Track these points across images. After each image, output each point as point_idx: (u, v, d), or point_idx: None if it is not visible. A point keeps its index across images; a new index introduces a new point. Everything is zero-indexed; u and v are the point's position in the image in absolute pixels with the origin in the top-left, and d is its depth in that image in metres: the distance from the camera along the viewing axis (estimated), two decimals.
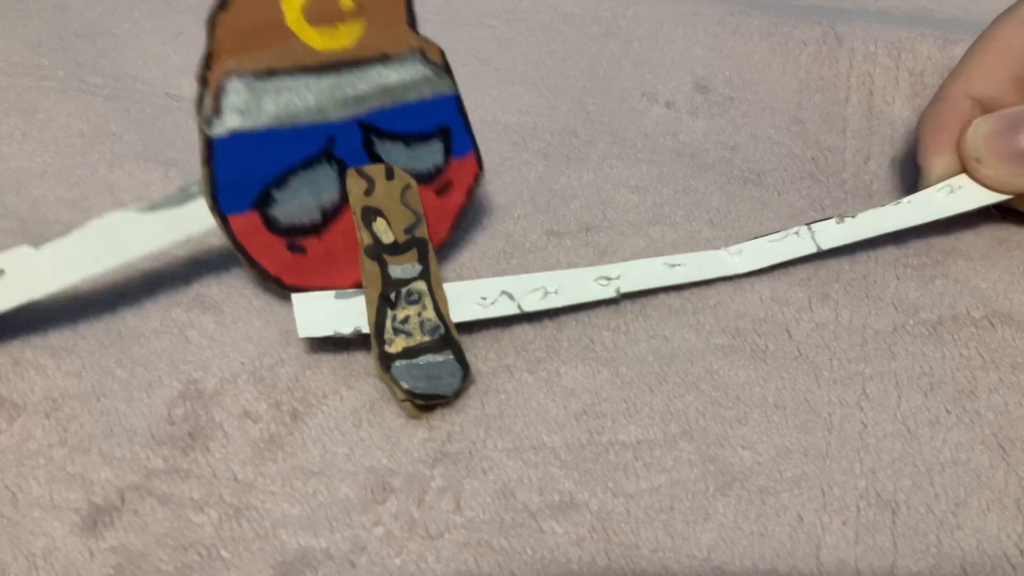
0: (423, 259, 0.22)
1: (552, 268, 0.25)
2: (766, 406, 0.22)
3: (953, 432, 0.21)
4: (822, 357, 0.23)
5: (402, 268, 0.22)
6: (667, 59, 0.32)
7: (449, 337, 0.22)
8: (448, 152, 0.23)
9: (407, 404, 0.21)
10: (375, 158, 0.23)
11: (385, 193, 0.22)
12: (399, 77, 0.22)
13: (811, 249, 0.24)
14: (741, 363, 0.23)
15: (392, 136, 0.23)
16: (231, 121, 0.21)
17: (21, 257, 0.21)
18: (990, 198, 0.25)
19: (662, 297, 0.24)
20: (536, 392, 0.22)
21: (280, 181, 0.22)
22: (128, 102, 0.30)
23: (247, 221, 0.22)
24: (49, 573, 0.18)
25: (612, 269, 0.23)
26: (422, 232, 0.22)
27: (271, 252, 0.22)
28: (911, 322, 0.24)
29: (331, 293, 0.22)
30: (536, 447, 0.21)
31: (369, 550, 0.19)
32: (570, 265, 0.25)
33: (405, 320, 0.21)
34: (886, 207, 0.25)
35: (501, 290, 0.23)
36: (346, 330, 0.22)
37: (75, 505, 0.19)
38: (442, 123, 0.23)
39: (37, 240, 0.22)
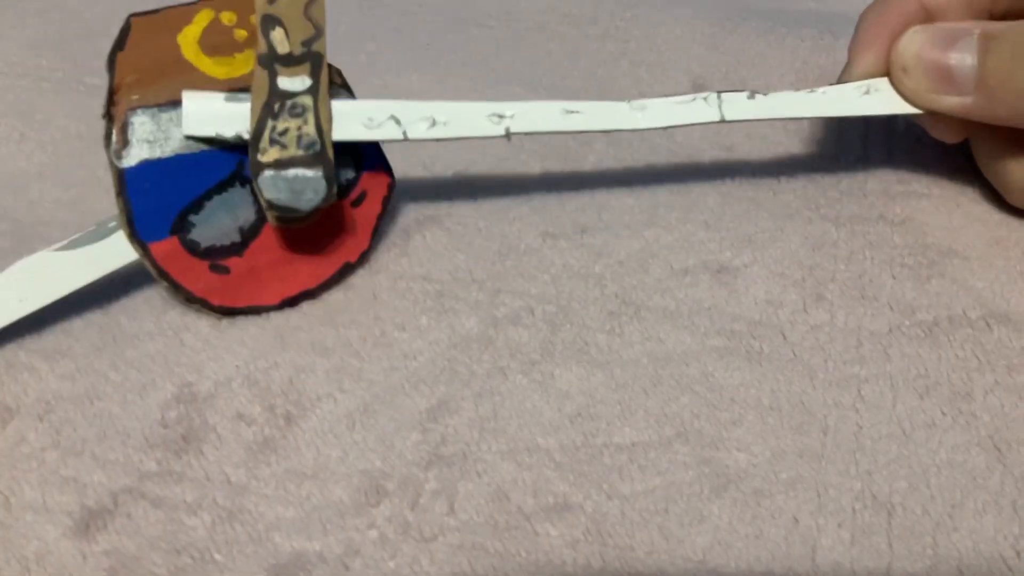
0: (315, 74, 0.22)
1: (548, 271, 0.25)
2: (761, 408, 0.22)
3: (949, 434, 0.21)
4: (817, 359, 0.23)
5: (291, 80, 0.22)
6: (664, 59, 0.32)
7: (323, 154, 0.22)
8: (359, 165, 0.24)
9: (271, 215, 0.22)
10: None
11: (289, 3, 0.22)
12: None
13: (715, 117, 0.24)
14: (736, 365, 0.23)
15: None
16: (139, 152, 0.21)
17: None
18: (903, 109, 0.25)
19: (656, 299, 0.24)
20: (530, 394, 0.22)
21: (195, 206, 0.22)
22: None
23: (167, 247, 0.22)
24: None
25: (506, 107, 0.23)
26: (319, 47, 0.22)
27: (194, 275, 0.23)
28: (907, 323, 0.24)
29: (221, 95, 0.22)
30: (530, 449, 0.21)
31: (363, 553, 0.19)
32: (565, 267, 0.25)
33: (284, 132, 0.21)
34: (799, 92, 0.25)
35: (389, 113, 0.23)
36: (228, 134, 0.22)
37: (68, 508, 0.19)
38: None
39: None
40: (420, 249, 0.25)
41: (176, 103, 0.22)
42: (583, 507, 0.20)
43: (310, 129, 0.22)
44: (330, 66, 0.23)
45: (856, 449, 0.21)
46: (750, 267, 0.25)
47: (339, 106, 0.22)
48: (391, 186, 0.24)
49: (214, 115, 0.22)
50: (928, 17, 0.25)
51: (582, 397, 0.22)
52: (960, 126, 0.25)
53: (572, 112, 0.23)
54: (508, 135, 0.23)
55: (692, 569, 0.19)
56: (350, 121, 0.22)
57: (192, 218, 0.22)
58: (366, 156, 0.24)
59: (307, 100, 0.22)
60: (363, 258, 0.24)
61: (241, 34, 0.23)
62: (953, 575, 0.19)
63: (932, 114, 0.25)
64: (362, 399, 0.22)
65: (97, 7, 0.34)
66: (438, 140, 0.23)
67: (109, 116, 0.22)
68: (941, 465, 0.21)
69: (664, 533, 0.19)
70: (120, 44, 0.22)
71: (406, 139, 0.23)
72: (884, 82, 0.25)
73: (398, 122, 0.23)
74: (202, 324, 0.23)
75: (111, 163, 0.21)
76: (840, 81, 0.25)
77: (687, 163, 0.28)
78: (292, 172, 0.21)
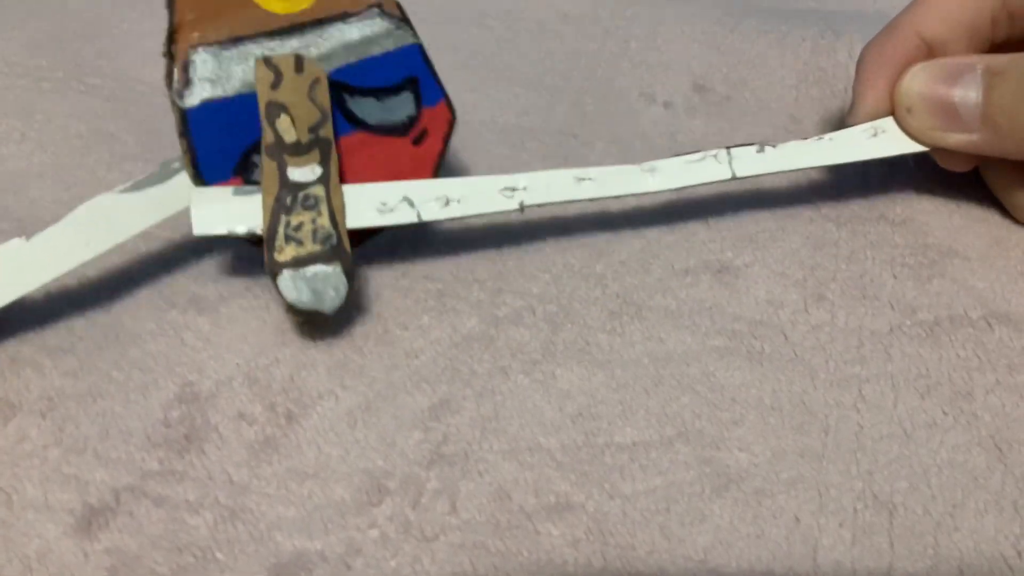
0: (324, 162, 0.22)
1: (549, 270, 0.25)
2: (762, 408, 0.22)
3: (950, 434, 0.21)
4: (818, 359, 0.23)
5: (301, 171, 0.22)
6: (665, 59, 0.32)
7: (340, 247, 0.21)
8: (419, 102, 0.23)
9: (291, 314, 0.21)
10: (348, 114, 0.23)
11: (292, 87, 0.22)
12: (360, 33, 0.22)
13: (726, 175, 0.24)
14: (737, 365, 0.23)
15: (362, 91, 0.23)
16: (202, 91, 0.21)
17: (13, 250, 0.21)
18: (911, 147, 0.25)
19: (658, 299, 0.24)
20: (532, 394, 0.22)
21: (258, 145, 0.22)
22: (127, 103, 0.30)
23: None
24: (43, 575, 0.18)
25: (518, 180, 0.23)
26: (326, 132, 0.22)
27: None
28: (908, 323, 0.24)
29: (230, 189, 0.22)
30: (532, 449, 0.21)
31: (364, 552, 0.19)
32: (566, 266, 0.25)
33: (299, 227, 0.21)
34: (808, 141, 0.25)
35: (402, 196, 0.22)
36: (240, 230, 0.22)
37: (70, 506, 0.19)
38: (409, 74, 0.23)
39: (28, 236, 0.22)
40: (422, 248, 0.25)
41: (238, 39, 0.21)
42: (584, 507, 0.20)
43: (324, 221, 0.21)
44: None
45: (857, 449, 0.21)
46: (751, 267, 0.25)
47: (351, 192, 0.22)
48: (451, 122, 0.24)
49: (225, 213, 0.21)
50: (929, 51, 0.25)
51: (583, 397, 0.22)
52: (970, 157, 0.25)
53: (584, 179, 0.23)
54: (522, 208, 0.23)
55: (693, 569, 0.19)
56: (363, 207, 0.22)
57: (256, 158, 0.22)
58: (426, 91, 0.23)
59: (319, 190, 0.22)
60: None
61: None
62: (954, 575, 0.19)
63: (940, 150, 0.25)
64: (364, 397, 0.22)
65: (97, 7, 0.34)
66: (453, 219, 0.23)
67: (170, 55, 0.21)
68: (942, 465, 0.21)
69: (665, 533, 0.19)
70: None
71: (420, 221, 0.23)
72: (889, 122, 0.25)
73: (411, 204, 0.22)
74: (203, 323, 0.23)
75: (173, 103, 0.21)
76: (847, 122, 0.25)
77: None
78: (311, 271, 0.21)
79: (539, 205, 0.23)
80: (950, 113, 0.24)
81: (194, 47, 0.21)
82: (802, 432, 0.21)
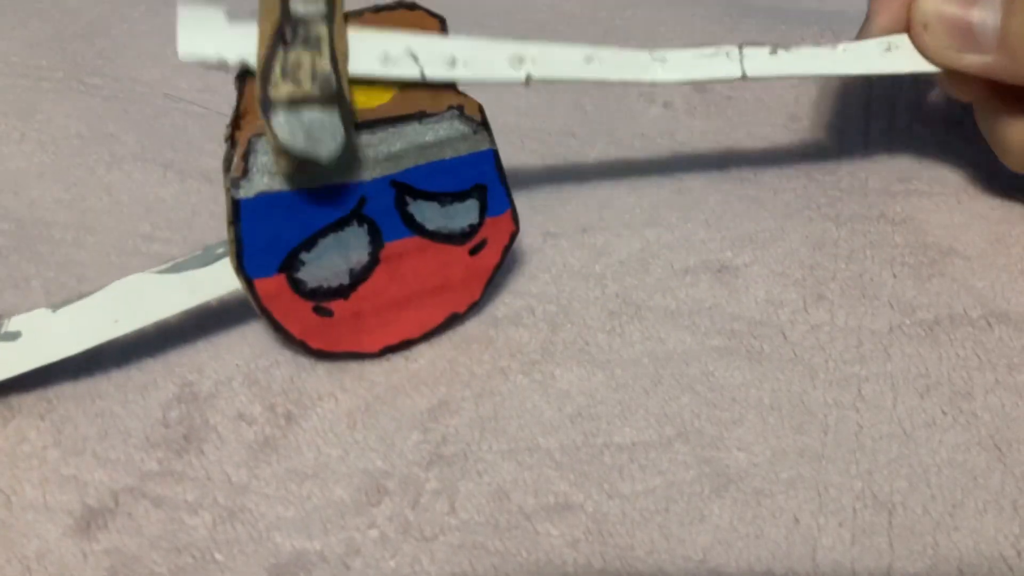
0: None
1: (549, 268, 0.25)
2: (762, 408, 0.22)
3: (950, 433, 0.21)
4: (818, 358, 0.23)
5: (305, 4, 0.20)
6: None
7: (340, 94, 0.19)
8: (484, 210, 0.22)
9: (279, 157, 0.20)
10: (407, 217, 0.22)
11: None
12: (435, 135, 0.21)
13: (736, 73, 0.24)
14: (736, 365, 0.23)
15: (426, 195, 0.22)
16: (259, 182, 0.20)
17: (39, 319, 0.21)
18: (923, 67, 0.24)
19: (657, 299, 0.24)
20: (531, 394, 0.22)
21: (309, 243, 0.21)
22: (126, 103, 0.30)
23: (273, 285, 0.21)
24: None
25: (527, 48, 0.22)
26: None
27: (297, 315, 0.21)
28: (907, 322, 0.24)
29: (223, 13, 0.20)
30: (531, 449, 0.21)
31: (363, 552, 0.19)
32: (565, 266, 0.25)
33: (297, 66, 0.19)
34: (821, 47, 0.24)
35: (407, 48, 0.21)
36: (231, 58, 0.20)
37: (69, 507, 0.19)
38: (478, 181, 0.22)
39: (56, 302, 0.21)
40: None
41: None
42: (584, 507, 0.20)
43: (325, 64, 0.19)
44: (471, 101, 0.21)
45: (857, 448, 0.21)
46: (751, 266, 0.25)
47: (355, 37, 0.20)
48: (514, 235, 0.23)
49: (216, 37, 0.20)
50: None
51: (582, 397, 0.22)
52: (975, 85, 0.25)
53: (592, 59, 0.22)
54: (528, 81, 0.22)
55: (692, 569, 0.19)
56: (365, 56, 0.20)
57: (303, 256, 0.21)
58: (493, 200, 0.22)
59: (322, 29, 0.20)
60: (472, 309, 0.23)
61: None
62: (954, 575, 0.19)
63: (951, 73, 0.24)
64: (363, 398, 0.22)
65: (97, 7, 0.34)
66: (456, 82, 0.21)
67: (232, 141, 0.20)
68: (942, 464, 0.21)
69: (665, 533, 0.19)
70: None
71: (423, 79, 0.21)
72: (904, 39, 0.24)
73: (416, 59, 0.21)
74: (203, 323, 0.23)
75: (227, 191, 0.20)
76: (860, 35, 0.25)
77: (688, 162, 0.28)
78: (308, 115, 0.19)
79: (546, 81, 0.22)
80: (966, 34, 0.23)
81: (258, 135, 0.20)
82: (801, 432, 0.21)
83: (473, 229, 0.22)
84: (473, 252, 0.22)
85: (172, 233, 0.25)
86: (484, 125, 0.22)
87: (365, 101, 0.21)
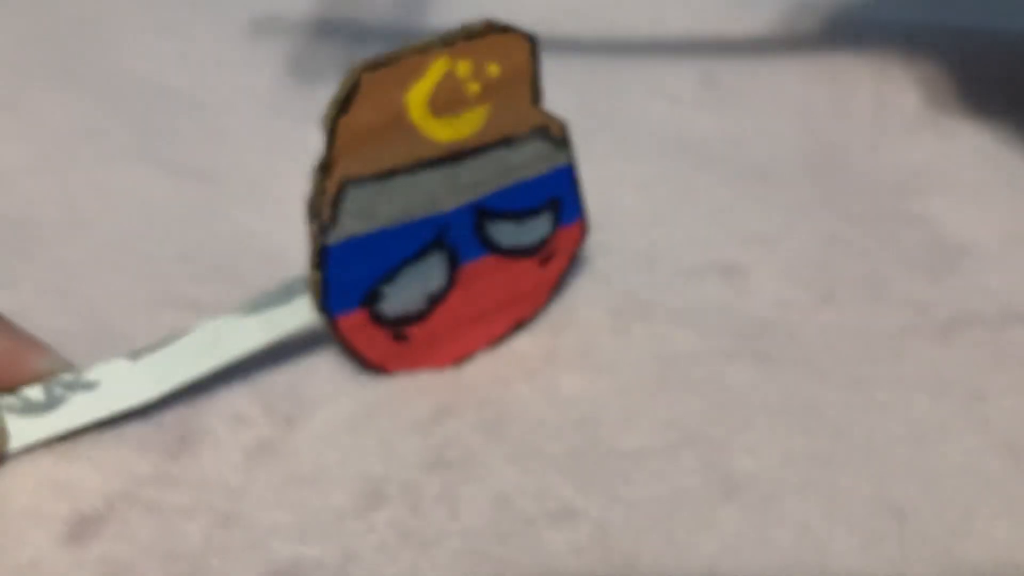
0: None
1: None
2: (770, 411, 0.21)
3: (963, 437, 0.21)
4: (828, 360, 0.23)
5: None
6: (672, 54, 0.32)
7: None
8: (556, 222, 0.22)
9: None
10: (485, 239, 0.22)
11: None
12: (520, 158, 0.21)
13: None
14: (744, 367, 0.22)
15: (504, 216, 0.22)
16: (347, 227, 0.20)
17: (117, 369, 0.21)
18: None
19: (663, 299, 0.24)
20: (534, 398, 0.22)
21: (390, 277, 0.21)
22: (119, 99, 0.29)
23: (355, 319, 0.21)
24: None
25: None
26: None
27: (375, 343, 0.22)
28: (920, 323, 0.23)
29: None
30: (534, 454, 0.21)
31: (362, 558, 0.19)
32: (570, 265, 0.25)
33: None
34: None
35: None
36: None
37: (62, 514, 0.19)
38: (554, 195, 0.22)
39: (133, 352, 0.21)
40: None
41: (394, 173, 0.20)
42: (588, 513, 0.20)
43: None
44: (555, 122, 0.21)
45: (867, 453, 0.21)
46: (759, 266, 0.25)
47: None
48: (582, 239, 0.23)
49: None
50: None
51: (586, 401, 0.22)
52: None
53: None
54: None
55: None
56: None
57: (384, 289, 0.21)
58: (566, 210, 0.22)
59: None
60: (537, 314, 0.23)
61: (473, 89, 0.20)
62: None
63: None
64: (363, 402, 0.21)
65: (88, 2, 0.33)
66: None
67: (322, 185, 0.20)
68: (954, 469, 0.20)
69: (670, 539, 0.19)
70: (344, 106, 0.19)
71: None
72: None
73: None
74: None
75: (313, 235, 0.20)
76: None
77: (695, 159, 0.28)
78: None
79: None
80: None
81: (348, 180, 0.20)
82: (811, 435, 0.21)
83: (545, 241, 0.22)
84: (543, 263, 0.23)
85: (165, 232, 0.25)
86: (565, 142, 0.22)
87: (451, 133, 0.20)
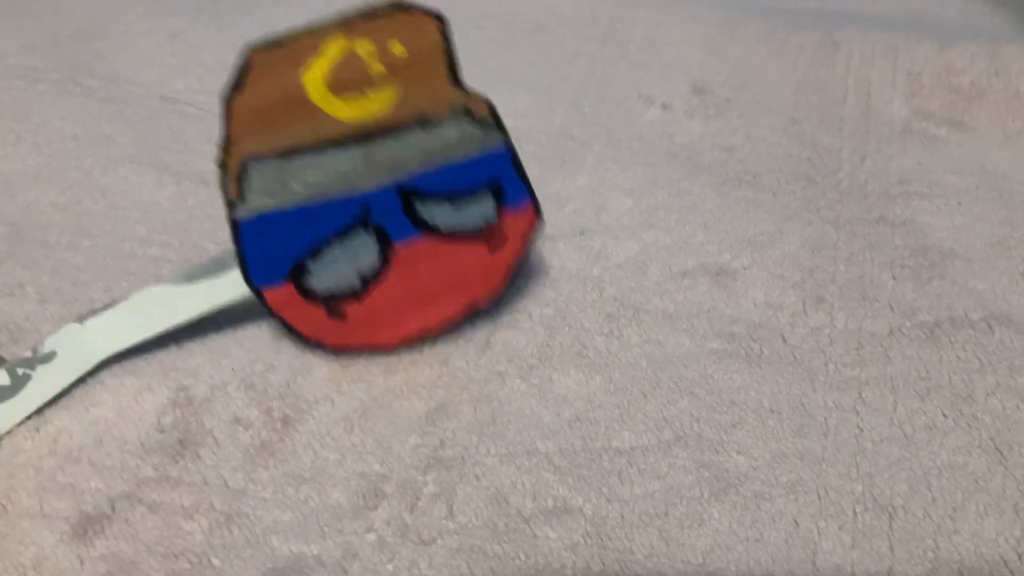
0: None
1: (546, 272, 0.25)
2: (761, 411, 0.22)
3: (950, 436, 0.21)
4: (817, 361, 0.23)
5: None
6: (664, 61, 0.32)
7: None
8: (500, 205, 0.22)
9: None
10: (418, 220, 0.22)
11: None
12: (441, 139, 0.21)
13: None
14: (736, 368, 0.22)
15: (436, 198, 0.22)
16: (256, 203, 0.20)
17: (68, 333, 0.22)
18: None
19: (655, 302, 0.24)
20: (529, 398, 0.22)
21: (314, 252, 0.21)
22: (122, 105, 0.29)
23: (282, 294, 0.21)
24: None
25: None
26: None
27: (309, 319, 0.22)
28: (908, 325, 0.24)
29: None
30: (529, 453, 0.21)
31: (361, 556, 0.19)
32: (563, 269, 0.25)
33: None
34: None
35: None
36: None
37: (65, 514, 0.19)
38: (492, 177, 0.22)
39: (79, 316, 0.22)
40: None
41: (297, 151, 0.20)
42: (582, 510, 0.20)
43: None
44: (479, 101, 0.21)
45: (857, 452, 0.21)
46: (749, 269, 0.25)
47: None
48: (536, 225, 0.23)
49: None
50: None
51: (580, 401, 0.22)
52: None
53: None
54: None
55: (692, 572, 0.19)
56: None
57: (310, 265, 0.21)
58: (510, 194, 0.22)
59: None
60: (493, 299, 0.23)
61: (377, 68, 0.20)
62: None
63: None
64: (360, 402, 0.22)
65: (93, 9, 0.33)
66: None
67: (223, 165, 0.20)
68: (942, 468, 0.21)
69: (664, 536, 0.19)
70: (238, 85, 0.20)
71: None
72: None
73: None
74: (197, 327, 0.23)
75: (227, 212, 0.21)
76: None
77: (686, 165, 0.28)
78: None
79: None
80: None
81: (247, 158, 0.20)
82: (801, 435, 0.21)
83: (489, 225, 0.22)
84: (491, 246, 0.22)
85: (168, 236, 0.25)
86: (495, 123, 0.22)
87: (357, 112, 0.21)
